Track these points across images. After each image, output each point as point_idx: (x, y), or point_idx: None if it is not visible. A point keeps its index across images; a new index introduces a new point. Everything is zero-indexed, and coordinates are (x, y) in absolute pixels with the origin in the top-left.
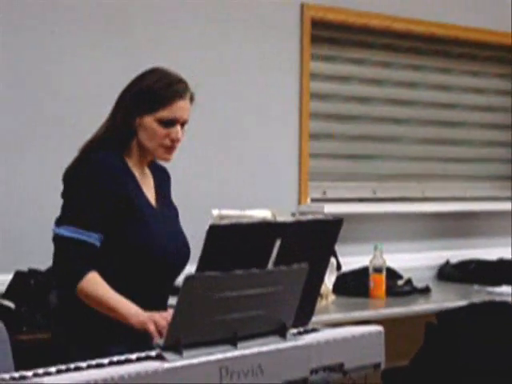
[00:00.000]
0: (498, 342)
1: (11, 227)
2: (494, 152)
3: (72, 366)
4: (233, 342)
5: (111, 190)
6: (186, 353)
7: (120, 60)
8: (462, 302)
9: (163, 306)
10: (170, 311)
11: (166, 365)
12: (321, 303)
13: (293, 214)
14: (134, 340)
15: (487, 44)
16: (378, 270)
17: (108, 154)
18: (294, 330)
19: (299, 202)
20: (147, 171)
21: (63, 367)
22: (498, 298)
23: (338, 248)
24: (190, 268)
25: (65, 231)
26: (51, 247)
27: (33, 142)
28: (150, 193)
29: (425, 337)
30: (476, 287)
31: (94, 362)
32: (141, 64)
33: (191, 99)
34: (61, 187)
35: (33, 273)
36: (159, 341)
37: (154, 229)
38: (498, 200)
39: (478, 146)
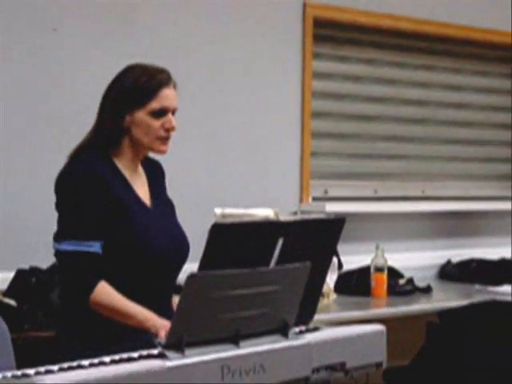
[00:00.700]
0: (499, 342)
1: (12, 225)
2: (496, 151)
3: (74, 364)
4: (235, 340)
5: (99, 194)
6: (188, 351)
7: (121, 60)
8: (464, 302)
9: (167, 305)
10: None
11: (168, 363)
12: (322, 302)
13: (294, 213)
14: (136, 338)
15: (494, 44)
16: (379, 269)
17: (93, 158)
18: (296, 329)
19: (301, 201)
20: (140, 169)
21: (65, 365)
22: (499, 298)
23: (339, 247)
24: (193, 266)
25: (67, 246)
26: (52, 245)
27: (35, 140)
28: (142, 191)
29: (426, 336)
30: (477, 287)
31: (96, 361)
32: (144, 62)
33: (175, 87)
34: None
35: (34, 271)
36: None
37: (146, 227)
38: (499, 199)
39: (479, 146)
